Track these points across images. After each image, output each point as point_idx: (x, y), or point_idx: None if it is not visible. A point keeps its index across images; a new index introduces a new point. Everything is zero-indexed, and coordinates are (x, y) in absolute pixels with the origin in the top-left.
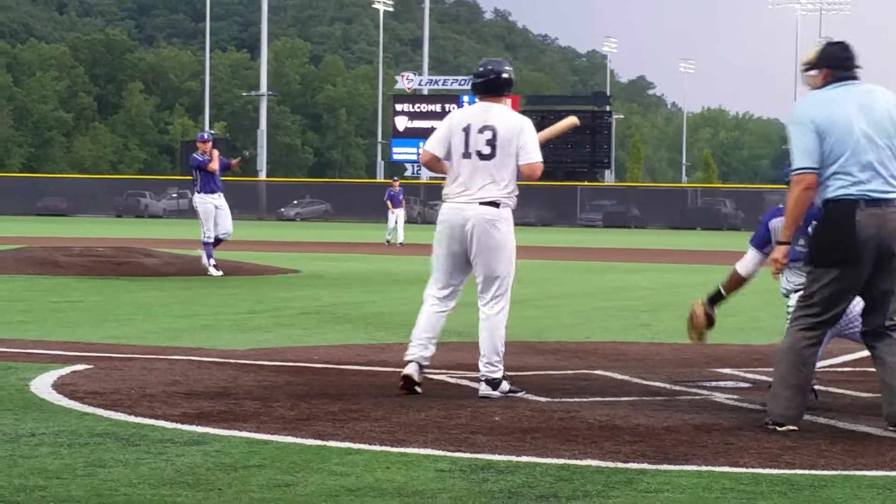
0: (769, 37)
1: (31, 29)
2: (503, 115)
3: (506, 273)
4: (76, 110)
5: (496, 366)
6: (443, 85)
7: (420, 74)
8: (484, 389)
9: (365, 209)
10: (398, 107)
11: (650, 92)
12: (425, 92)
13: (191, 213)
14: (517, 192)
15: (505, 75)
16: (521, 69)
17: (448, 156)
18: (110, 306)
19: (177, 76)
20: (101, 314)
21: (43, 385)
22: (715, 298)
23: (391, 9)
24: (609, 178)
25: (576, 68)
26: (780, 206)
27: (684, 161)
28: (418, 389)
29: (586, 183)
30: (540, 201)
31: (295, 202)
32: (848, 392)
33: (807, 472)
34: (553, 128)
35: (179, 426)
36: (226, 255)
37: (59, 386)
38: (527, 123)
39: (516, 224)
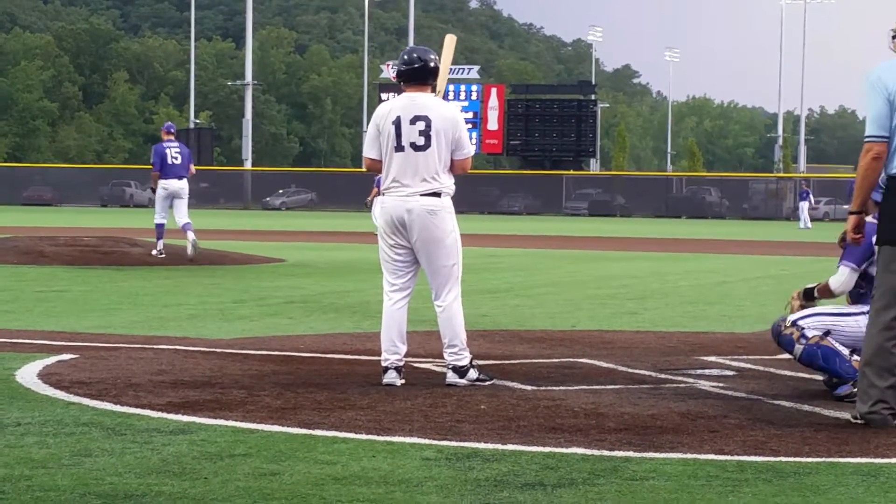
0: (754, 26)
1: (15, 18)
2: (434, 105)
3: (452, 262)
4: (61, 100)
5: (461, 353)
6: None
7: None
8: (451, 377)
9: (350, 198)
10: (384, 96)
11: (635, 81)
12: None
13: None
14: (454, 181)
15: (431, 63)
16: (506, 58)
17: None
18: (96, 296)
19: (162, 65)
20: (86, 304)
21: (28, 375)
22: (808, 295)
23: None
24: (594, 167)
25: (561, 57)
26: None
27: (669, 150)
28: (401, 383)
29: (572, 171)
30: (525, 190)
31: (280, 191)
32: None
33: (791, 459)
34: (445, 57)
35: (165, 415)
36: (211, 244)
37: (44, 375)
38: (460, 115)
39: (502, 212)
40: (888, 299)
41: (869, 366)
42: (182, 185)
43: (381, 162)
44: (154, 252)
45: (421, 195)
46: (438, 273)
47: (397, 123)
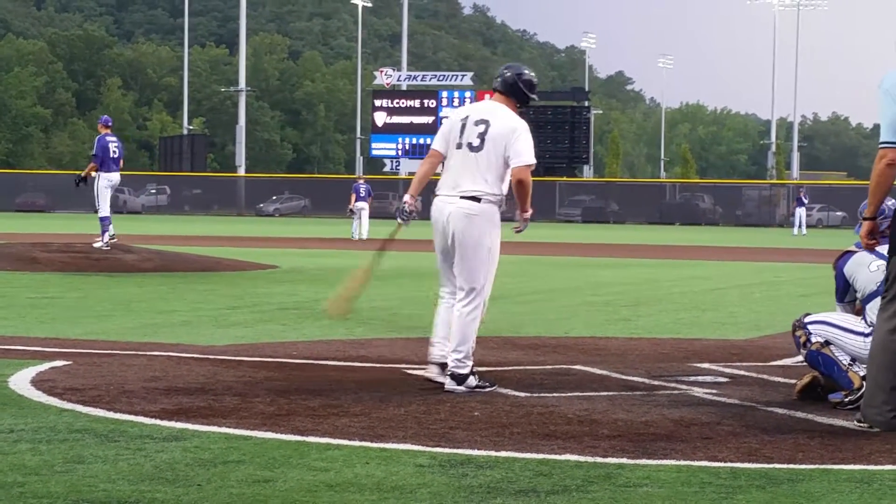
0: (747, 32)
1: (8, 24)
2: (501, 113)
3: (480, 271)
4: (54, 106)
5: (464, 362)
6: (421, 80)
7: (399, 70)
8: (449, 384)
9: (344, 205)
10: (377, 102)
11: (629, 87)
12: (404, 87)
13: (169, 208)
14: (505, 193)
15: (521, 80)
16: (499, 64)
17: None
18: (89, 302)
19: (155, 72)
20: (79, 310)
21: (21, 381)
22: None
23: (370, 4)
24: (588, 174)
25: (554, 64)
26: (850, 249)
27: (663, 156)
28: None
29: (565, 178)
30: None
31: (274, 198)
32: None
33: (785, 466)
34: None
35: (158, 422)
36: (205, 250)
37: (37, 382)
38: (522, 126)
39: None
40: (892, 300)
41: (876, 368)
42: (119, 178)
43: (439, 157)
44: (100, 244)
45: (461, 198)
46: (464, 278)
47: (465, 122)
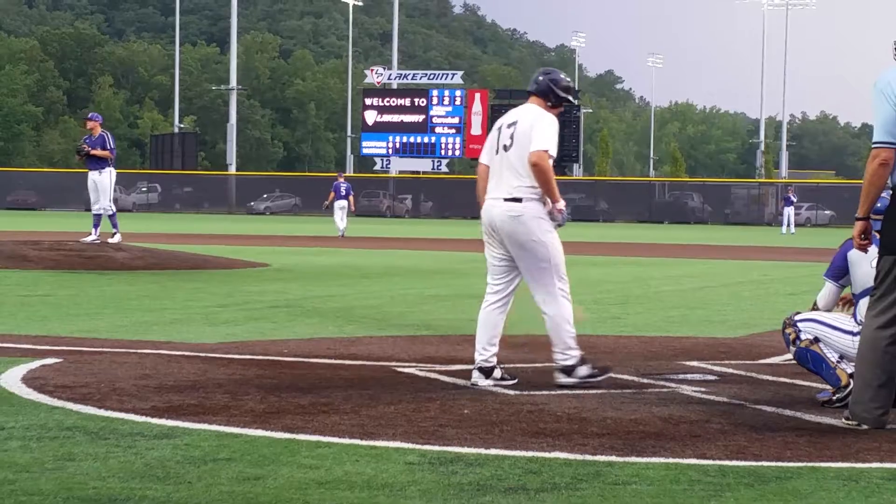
0: (736, 31)
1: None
2: (531, 110)
3: (541, 266)
4: (46, 104)
5: (567, 354)
6: (412, 79)
7: (389, 69)
8: (559, 378)
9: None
10: (368, 101)
11: (618, 86)
12: (395, 86)
13: (160, 206)
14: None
15: (555, 84)
16: (489, 63)
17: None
18: (80, 300)
19: (146, 70)
20: (70, 308)
21: (12, 379)
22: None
23: (361, 3)
24: (577, 172)
25: (544, 63)
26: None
27: (652, 155)
28: (485, 383)
29: (555, 176)
30: None
31: (265, 196)
32: (814, 384)
33: (773, 463)
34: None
35: (149, 420)
36: (196, 248)
37: (28, 380)
38: (544, 116)
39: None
40: (886, 303)
41: (864, 365)
42: None
43: (485, 169)
44: (115, 238)
45: (504, 200)
46: (529, 276)
47: (500, 128)
